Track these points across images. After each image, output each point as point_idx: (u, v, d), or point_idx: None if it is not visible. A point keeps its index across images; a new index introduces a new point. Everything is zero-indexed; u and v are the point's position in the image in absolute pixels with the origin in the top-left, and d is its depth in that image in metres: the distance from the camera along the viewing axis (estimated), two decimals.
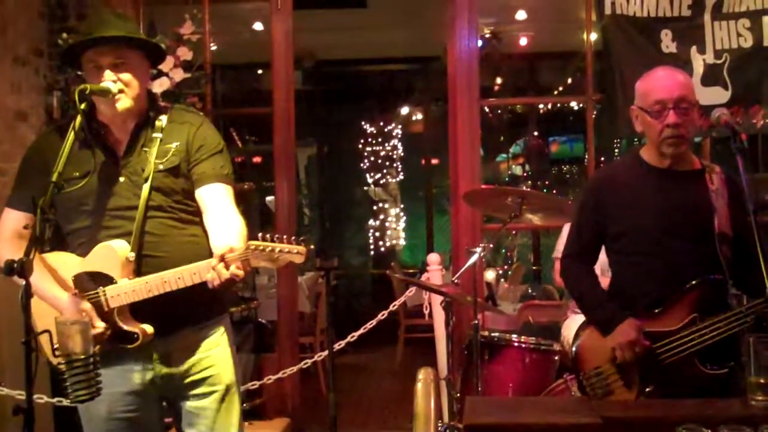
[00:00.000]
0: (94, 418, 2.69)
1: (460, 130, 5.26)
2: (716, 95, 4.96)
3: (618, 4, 5.08)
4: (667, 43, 5.05)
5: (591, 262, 3.19)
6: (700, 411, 2.04)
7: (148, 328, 2.55)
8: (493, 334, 4.15)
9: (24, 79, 5.02)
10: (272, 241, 2.34)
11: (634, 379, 2.94)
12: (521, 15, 6.91)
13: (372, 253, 11.81)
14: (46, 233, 2.39)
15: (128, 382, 2.65)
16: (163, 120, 2.73)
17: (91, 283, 2.56)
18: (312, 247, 2.45)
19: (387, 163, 11.79)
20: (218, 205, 2.66)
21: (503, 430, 1.99)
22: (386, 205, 11.87)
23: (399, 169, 11.90)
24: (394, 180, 11.87)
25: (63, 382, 2.32)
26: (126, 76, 2.63)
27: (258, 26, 6.96)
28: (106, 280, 2.54)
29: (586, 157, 12.14)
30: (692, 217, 2.94)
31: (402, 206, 12.04)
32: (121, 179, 2.65)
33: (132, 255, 2.55)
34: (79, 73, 4.80)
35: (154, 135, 2.69)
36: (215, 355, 2.73)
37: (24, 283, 2.24)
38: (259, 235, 2.37)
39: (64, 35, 4.92)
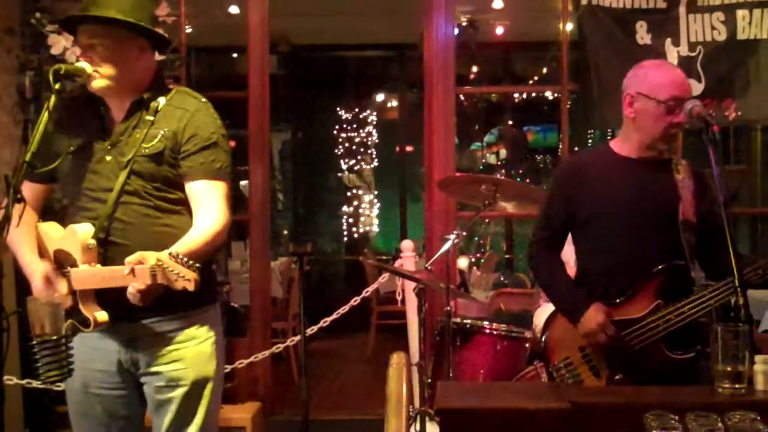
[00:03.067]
0: (71, 390, 2.71)
1: (436, 118, 5.26)
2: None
3: None
4: (642, 35, 5.08)
5: (558, 249, 3.22)
6: (669, 398, 2.07)
7: (101, 316, 2.48)
8: (464, 321, 4.17)
9: None
10: (176, 261, 2.26)
11: (603, 368, 2.99)
12: (498, 4, 6.92)
13: (345, 239, 11.82)
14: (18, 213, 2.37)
15: (101, 361, 2.63)
16: (160, 102, 2.65)
17: (65, 261, 2.53)
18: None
19: (362, 150, 11.79)
20: (202, 202, 2.60)
21: (474, 414, 2.01)
22: (360, 192, 11.87)
23: (373, 156, 11.90)
24: (368, 167, 11.87)
25: (35, 362, 2.31)
26: (99, 56, 2.56)
27: (234, 9, 6.92)
28: (71, 260, 2.51)
29: (560, 146, 12.31)
30: (657, 205, 2.99)
31: (376, 193, 12.05)
32: (108, 158, 2.61)
33: (92, 242, 2.49)
34: (53, 53, 4.85)
35: (147, 117, 2.62)
36: (185, 349, 2.66)
37: None
38: (168, 251, 2.30)
39: (38, 14, 4.88)
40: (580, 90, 5.28)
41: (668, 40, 5.07)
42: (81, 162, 2.63)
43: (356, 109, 11.68)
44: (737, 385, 2.23)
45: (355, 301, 4.95)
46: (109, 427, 2.70)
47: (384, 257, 10.23)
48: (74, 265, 2.50)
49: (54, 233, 2.61)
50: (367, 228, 11.91)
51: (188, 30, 5.44)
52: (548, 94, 11.19)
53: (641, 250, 2.96)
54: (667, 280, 2.92)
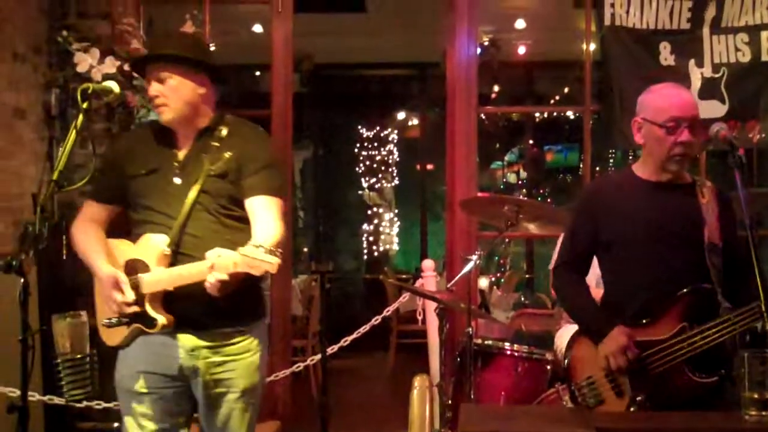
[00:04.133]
0: (121, 389, 2.86)
1: (458, 137, 5.26)
2: (713, 109, 4.98)
3: (617, 15, 5.10)
4: (666, 56, 5.07)
5: (583, 272, 3.22)
6: (694, 424, 2.05)
7: (163, 319, 2.72)
8: (486, 342, 4.15)
9: (22, 76, 5.01)
10: (257, 249, 2.45)
11: (625, 389, 2.96)
12: (520, 24, 6.92)
13: (365, 257, 11.81)
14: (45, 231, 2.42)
15: (159, 365, 2.84)
16: (224, 131, 2.91)
17: (133, 268, 2.77)
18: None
19: (382, 168, 11.80)
20: (260, 214, 2.81)
21: None
22: (380, 210, 11.87)
23: (394, 174, 11.91)
24: (389, 185, 11.88)
25: (59, 380, 2.32)
26: (167, 89, 2.83)
27: (257, 28, 6.97)
28: (144, 267, 2.75)
29: (581, 166, 12.26)
30: (683, 228, 2.98)
31: (396, 211, 12.05)
32: (177, 181, 2.86)
33: (168, 250, 2.74)
34: (78, 70, 4.90)
35: (213, 143, 2.88)
36: (241, 360, 2.87)
37: (22, 281, 2.26)
38: (251, 243, 2.49)
39: (64, 32, 4.93)
40: (602, 110, 5.26)
41: (692, 62, 5.05)
42: (152, 184, 2.89)
43: (377, 128, 11.71)
44: (764, 413, 2.20)
45: (376, 320, 4.93)
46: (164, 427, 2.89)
47: (404, 276, 10.20)
48: (146, 271, 2.74)
49: (124, 247, 2.89)
50: (387, 246, 11.91)
51: (212, 48, 5.47)
52: (569, 114, 11.19)
53: (667, 272, 2.95)
54: (692, 302, 2.90)
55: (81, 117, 2.56)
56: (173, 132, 2.94)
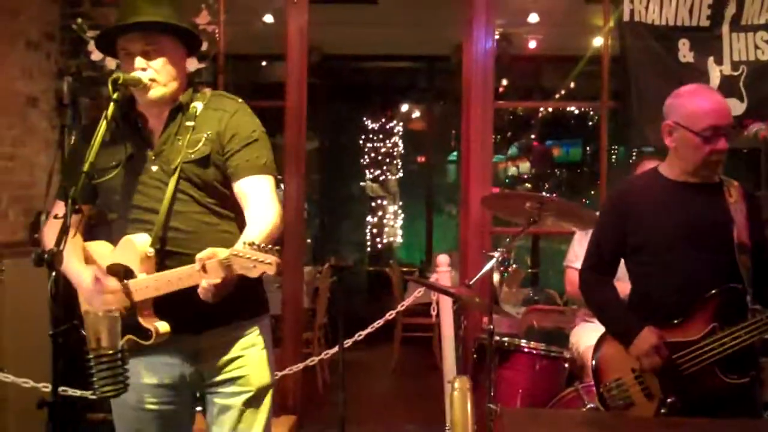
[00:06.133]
0: (122, 405, 2.65)
1: (473, 132, 5.22)
2: (732, 107, 4.89)
3: (636, 11, 5.07)
4: (685, 53, 5.04)
5: (611, 274, 3.20)
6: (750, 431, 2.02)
7: (162, 327, 2.45)
8: (503, 339, 4.12)
9: (35, 64, 4.98)
10: (252, 248, 2.19)
11: (655, 390, 2.95)
12: (533, 18, 6.88)
13: (369, 249, 11.78)
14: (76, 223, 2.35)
15: (159, 375, 2.61)
16: (198, 107, 2.62)
17: (116, 274, 2.49)
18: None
19: (387, 160, 11.76)
20: (254, 198, 2.53)
21: None
22: (384, 202, 11.84)
23: (399, 167, 11.87)
24: (393, 177, 11.84)
25: (90, 376, 2.28)
26: (157, 63, 2.54)
27: (268, 18, 6.91)
28: (128, 273, 2.47)
29: (583, 161, 12.25)
30: (712, 228, 2.97)
31: (401, 204, 12.02)
32: (154, 169, 2.57)
33: (151, 251, 2.46)
34: (92, 58, 4.85)
35: (188, 123, 2.58)
36: (248, 355, 2.65)
37: (53, 274, 2.20)
38: (242, 241, 2.27)
39: (79, 20, 4.89)
40: (620, 107, 5.23)
41: (711, 59, 5.02)
42: (126, 176, 2.58)
43: (383, 120, 11.66)
44: None
45: (390, 315, 4.89)
46: None
47: (408, 269, 10.16)
48: (131, 276, 2.47)
49: (104, 250, 2.60)
50: (391, 239, 11.87)
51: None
52: (573, 109, 11.16)
53: (696, 273, 2.93)
54: (723, 303, 2.89)
55: (112, 107, 2.46)
56: (140, 114, 2.63)
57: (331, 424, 5.37)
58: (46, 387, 4.12)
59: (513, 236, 4.07)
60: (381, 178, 11.77)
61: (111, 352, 2.25)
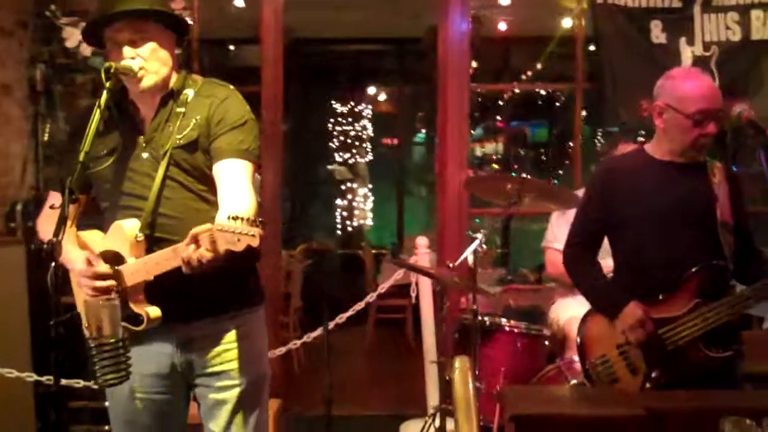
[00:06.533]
0: (115, 395, 2.65)
1: (450, 114, 5.25)
2: None
3: None
4: (657, 34, 5.10)
5: (595, 251, 3.26)
6: (744, 402, 2.09)
7: (153, 312, 2.43)
8: (484, 319, 4.18)
9: (8, 51, 4.92)
10: (236, 222, 2.13)
11: (640, 365, 3.02)
12: (505, 0, 6.89)
13: (339, 232, 11.79)
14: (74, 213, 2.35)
15: (151, 364, 2.59)
16: (189, 94, 2.61)
17: (107, 261, 2.46)
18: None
19: (357, 143, 11.76)
20: (228, 180, 2.49)
21: (550, 421, 2.01)
22: (354, 185, 11.85)
23: (368, 150, 11.88)
24: (363, 160, 11.85)
25: (92, 365, 2.28)
26: (145, 52, 2.52)
27: (239, 2, 6.85)
28: (119, 258, 2.46)
29: (550, 141, 12.32)
30: (696, 207, 3.04)
31: (370, 186, 12.03)
32: (144, 156, 2.56)
33: (140, 236, 2.45)
34: (67, 45, 4.81)
35: (179, 109, 2.57)
36: (239, 348, 2.61)
37: (53, 264, 2.20)
38: (228, 215, 2.17)
39: (52, 7, 4.83)
40: (594, 88, 5.29)
41: (683, 40, 5.09)
42: (117, 164, 2.58)
43: (351, 103, 11.65)
44: None
45: (372, 297, 4.94)
46: (153, 431, 2.67)
47: (379, 251, 10.19)
48: (121, 262, 2.45)
49: (96, 238, 2.59)
50: (361, 222, 11.89)
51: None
52: (540, 91, 11.20)
53: (681, 249, 3.00)
54: (706, 279, 2.97)
55: (105, 95, 2.45)
56: (131, 102, 2.62)
57: (311, 407, 5.43)
58: (30, 377, 4.11)
59: (495, 217, 4.12)
60: (351, 161, 11.77)
61: (113, 340, 2.25)
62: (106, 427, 4.24)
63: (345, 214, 11.79)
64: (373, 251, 9.52)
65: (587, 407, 2.17)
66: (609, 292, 3.13)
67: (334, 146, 11.72)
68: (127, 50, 2.51)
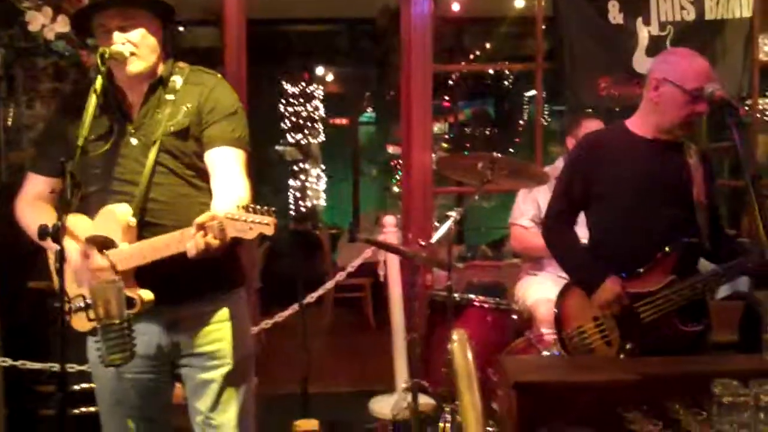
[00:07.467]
0: (102, 376, 2.68)
1: (414, 95, 5.30)
2: None
3: None
4: (615, 14, 5.22)
5: (572, 223, 3.34)
6: (732, 366, 2.21)
7: (146, 295, 2.47)
8: (454, 295, 4.27)
9: None
10: (247, 211, 2.18)
11: (614, 337, 3.12)
12: None
13: (293, 213, 11.79)
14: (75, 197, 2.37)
15: (139, 345, 2.53)
16: (177, 81, 2.65)
17: (100, 246, 2.48)
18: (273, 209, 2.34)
19: (308, 124, 11.75)
20: (222, 168, 2.55)
21: (552, 388, 2.10)
22: (307, 166, 11.85)
23: (320, 130, 11.89)
24: (315, 141, 11.85)
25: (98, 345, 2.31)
26: (135, 37, 2.55)
27: None
28: (110, 243, 2.48)
29: (499, 121, 12.48)
30: (674, 184, 3.13)
31: (323, 167, 12.05)
32: (134, 142, 2.59)
33: (133, 220, 2.48)
34: (30, 29, 4.73)
35: (168, 97, 2.62)
36: (225, 329, 2.68)
37: (58, 248, 2.23)
38: (238, 204, 2.23)
39: None
40: (553, 67, 5.40)
41: (639, 20, 5.21)
42: (106, 149, 2.59)
43: (302, 84, 11.63)
44: None
45: (341, 276, 5.00)
46: (141, 410, 2.71)
47: (334, 231, 10.24)
48: (111, 246, 2.47)
49: (84, 223, 2.60)
50: (315, 202, 11.91)
51: None
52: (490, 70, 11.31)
53: (656, 226, 3.10)
54: (682, 256, 3.07)
55: (99, 80, 2.47)
56: (120, 88, 2.64)
57: (283, 386, 5.46)
58: (4, 362, 4.09)
59: (468, 196, 4.19)
60: (303, 142, 11.76)
61: (118, 321, 2.29)
62: (75, 411, 4.23)
63: (298, 195, 11.79)
64: (332, 231, 9.58)
65: (585, 374, 2.27)
66: (587, 266, 3.20)
67: (285, 127, 11.69)
68: (117, 35, 2.54)
